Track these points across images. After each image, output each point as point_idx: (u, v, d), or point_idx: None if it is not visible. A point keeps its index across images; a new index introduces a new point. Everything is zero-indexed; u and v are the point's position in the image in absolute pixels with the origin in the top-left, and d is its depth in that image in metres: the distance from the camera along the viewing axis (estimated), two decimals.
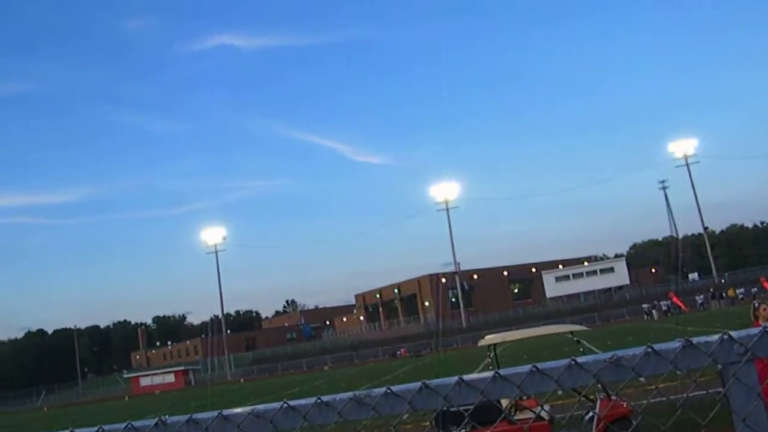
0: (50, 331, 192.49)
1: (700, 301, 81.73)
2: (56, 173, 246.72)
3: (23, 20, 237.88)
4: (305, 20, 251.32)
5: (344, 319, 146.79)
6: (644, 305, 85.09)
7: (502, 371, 1.81)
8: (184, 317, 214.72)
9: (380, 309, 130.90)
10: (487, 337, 13.51)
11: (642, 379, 1.88)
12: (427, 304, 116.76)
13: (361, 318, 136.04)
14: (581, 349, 11.63)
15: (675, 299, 75.59)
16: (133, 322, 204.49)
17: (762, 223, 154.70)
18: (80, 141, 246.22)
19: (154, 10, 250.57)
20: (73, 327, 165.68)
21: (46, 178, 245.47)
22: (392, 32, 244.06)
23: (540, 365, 1.81)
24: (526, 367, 1.83)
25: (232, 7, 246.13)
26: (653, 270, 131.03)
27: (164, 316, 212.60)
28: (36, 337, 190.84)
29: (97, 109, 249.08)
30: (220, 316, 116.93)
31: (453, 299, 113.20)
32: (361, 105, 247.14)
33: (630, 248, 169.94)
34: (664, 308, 78.95)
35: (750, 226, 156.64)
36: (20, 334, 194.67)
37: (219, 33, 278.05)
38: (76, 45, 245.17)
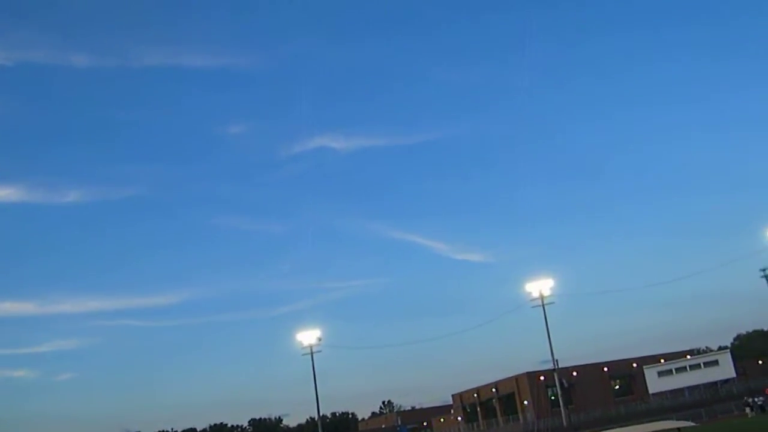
0: None
1: None
2: (160, 276, 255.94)
3: (126, 127, 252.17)
4: (399, 121, 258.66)
5: (442, 420, 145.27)
6: (746, 398, 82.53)
7: None
8: (280, 419, 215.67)
9: (478, 409, 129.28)
10: None
11: None
12: (526, 402, 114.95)
13: (459, 418, 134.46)
14: None
15: None
16: (229, 425, 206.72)
17: None
18: (180, 244, 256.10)
19: (253, 115, 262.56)
20: (170, 429, 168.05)
21: (147, 281, 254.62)
22: (490, 129, 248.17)
23: None
24: None
25: (327, 111, 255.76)
26: (760, 361, 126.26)
27: (260, 419, 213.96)
28: None
29: (197, 212, 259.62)
30: (317, 418, 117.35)
31: (552, 397, 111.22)
32: (458, 203, 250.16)
33: (734, 340, 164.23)
34: (760, 403, 76.75)
35: None
36: None
37: (316, 136, 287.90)
38: (178, 150, 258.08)
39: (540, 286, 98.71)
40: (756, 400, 78.71)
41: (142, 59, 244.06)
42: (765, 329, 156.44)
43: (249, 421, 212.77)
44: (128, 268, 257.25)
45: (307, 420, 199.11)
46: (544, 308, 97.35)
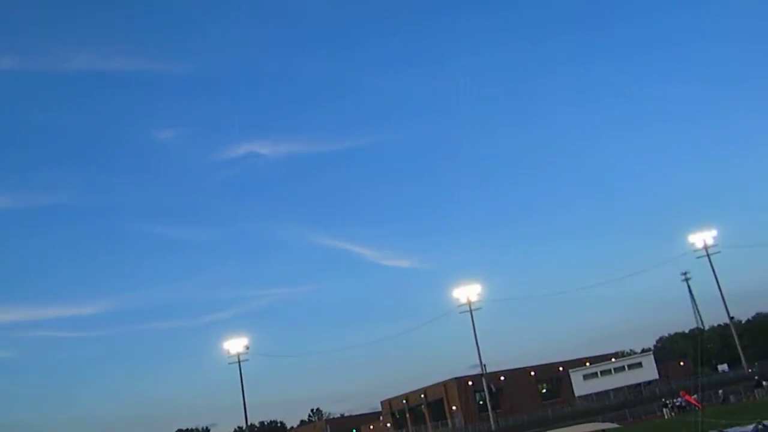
0: None
1: (721, 395, 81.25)
2: (82, 285, 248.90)
3: (51, 131, 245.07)
4: (328, 127, 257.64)
5: (371, 427, 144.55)
6: (664, 400, 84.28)
7: None
8: (207, 429, 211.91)
9: (407, 415, 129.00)
10: None
11: None
12: (454, 408, 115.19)
13: (388, 425, 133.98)
14: None
15: (687, 397, 76.06)
16: None
17: None
18: (104, 251, 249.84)
19: (181, 121, 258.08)
20: None
21: (71, 290, 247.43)
22: (415, 136, 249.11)
23: None
24: None
25: (256, 116, 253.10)
26: (681, 363, 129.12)
27: (188, 429, 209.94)
28: None
29: (123, 219, 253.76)
30: (245, 427, 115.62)
31: (480, 402, 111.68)
32: (387, 209, 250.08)
33: (657, 342, 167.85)
34: (678, 404, 78.63)
35: None
36: None
37: (245, 141, 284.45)
38: (105, 155, 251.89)
39: (467, 292, 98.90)
40: (675, 401, 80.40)
41: (71, 62, 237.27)
42: (686, 331, 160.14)
43: None
44: (47, 276, 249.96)
45: (235, 429, 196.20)
46: (471, 314, 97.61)
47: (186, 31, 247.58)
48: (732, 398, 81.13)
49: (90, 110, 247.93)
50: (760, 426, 27.43)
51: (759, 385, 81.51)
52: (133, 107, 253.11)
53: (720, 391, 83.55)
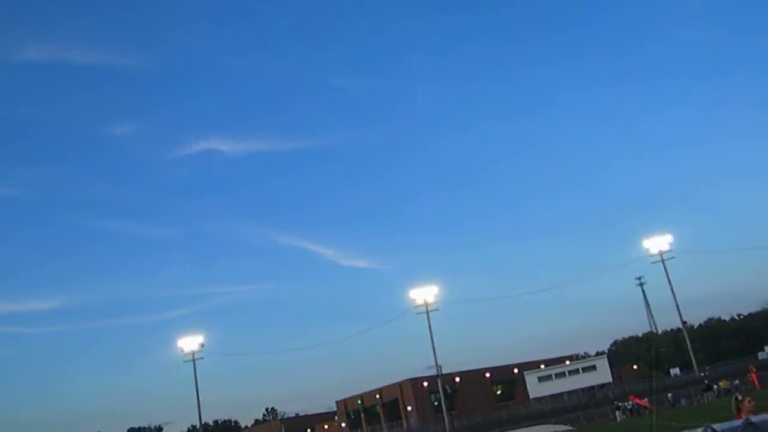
0: None
1: (671, 399, 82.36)
2: (33, 281, 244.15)
3: (3, 125, 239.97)
4: (289, 126, 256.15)
5: (326, 427, 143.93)
6: (616, 403, 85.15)
7: None
8: (160, 428, 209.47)
9: (362, 415, 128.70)
10: None
11: None
12: (409, 408, 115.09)
13: (343, 425, 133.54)
14: None
15: (637, 401, 77.30)
16: None
17: (739, 315, 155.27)
18: (59, 247, 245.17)
19: (139, 115, 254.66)
20: None
21: (23, 286, 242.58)
22: (375, 138, 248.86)
23: None
24: None
25: (216, 113, 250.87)
26: (635, 366, 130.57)
27: (140, 428, 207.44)
28: None
29: (77, 215, 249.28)
30: (198, 426, 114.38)
31: (435, 403, 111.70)
32: (346, 209, 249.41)
33: (611, 345, 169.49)
34: (629, 407, 79.56)
35: (727, 319, 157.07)
36: None
37: (204, 138, 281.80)
38: (59, 150, 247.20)
39: (424, 294, 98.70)
40: (626, 404, 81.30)
41: (21, 54, 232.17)
42: (640, 335, 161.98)
43: (128, 430, 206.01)
44: (1, 272, 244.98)
45: (189, 428, 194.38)
46: (428, 315, 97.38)
47: (145, 22, 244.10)
48: (683, 401, 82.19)
49: (45, 104, 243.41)
50: (708, 430, 27.49)
51: (709, 389, 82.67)
52: (90, 101, 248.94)
53: (669, 395, 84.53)
